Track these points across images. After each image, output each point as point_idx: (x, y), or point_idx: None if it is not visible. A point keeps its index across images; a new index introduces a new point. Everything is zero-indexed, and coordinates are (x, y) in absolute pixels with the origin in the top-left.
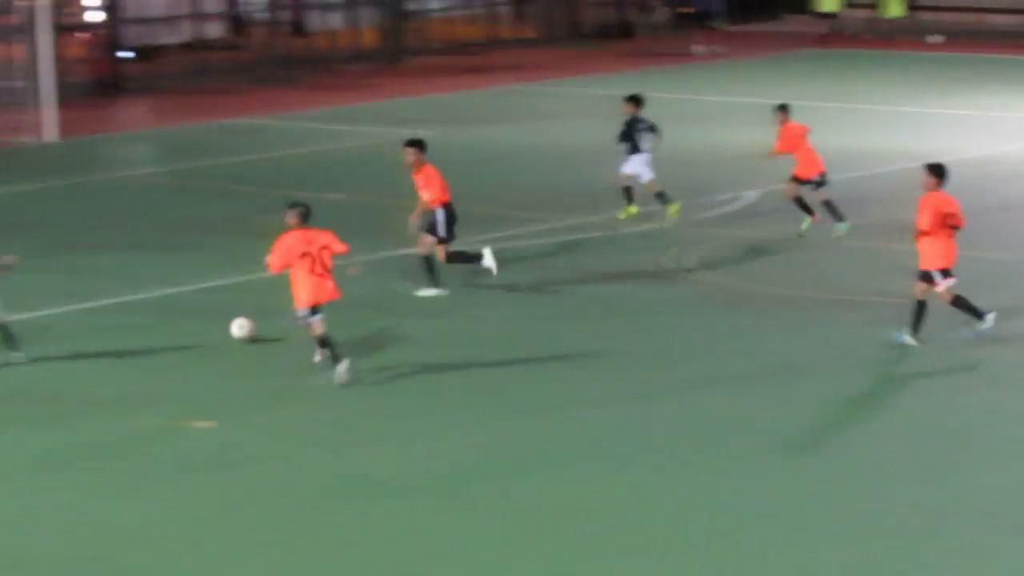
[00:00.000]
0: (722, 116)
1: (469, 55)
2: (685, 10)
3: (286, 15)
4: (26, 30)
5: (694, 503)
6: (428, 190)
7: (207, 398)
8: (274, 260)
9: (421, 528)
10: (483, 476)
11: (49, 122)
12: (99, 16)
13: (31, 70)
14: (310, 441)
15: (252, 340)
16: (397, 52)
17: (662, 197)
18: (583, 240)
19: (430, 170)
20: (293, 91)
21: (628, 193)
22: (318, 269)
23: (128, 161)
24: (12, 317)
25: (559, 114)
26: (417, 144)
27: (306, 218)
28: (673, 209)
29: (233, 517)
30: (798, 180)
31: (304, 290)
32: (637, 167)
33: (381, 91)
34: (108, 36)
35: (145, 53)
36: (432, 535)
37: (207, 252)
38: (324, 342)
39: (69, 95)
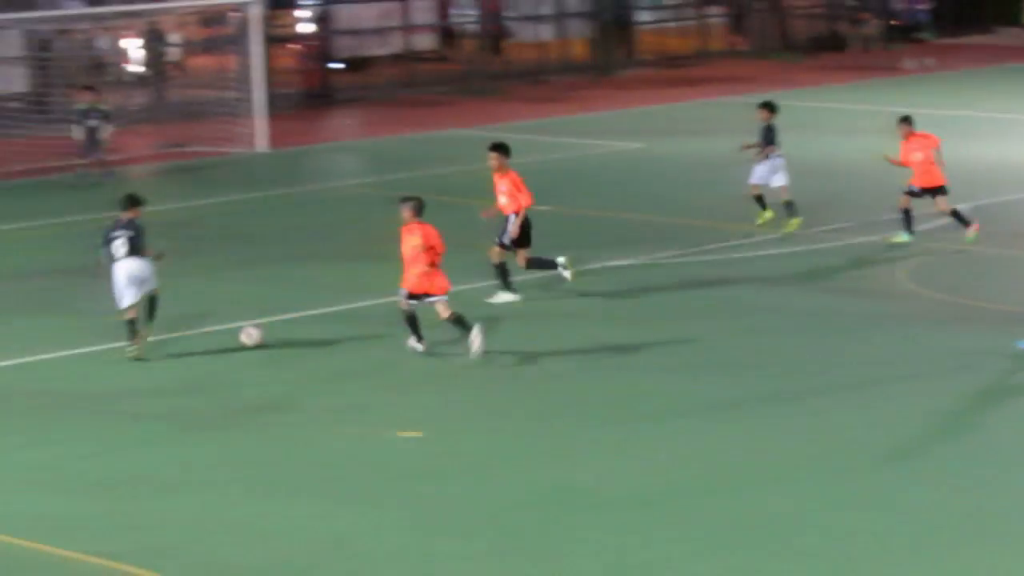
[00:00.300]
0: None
1: (679, 67)
2: (895, 23)
3: (496, 27)
4: (238, 41)
5: (929, 514)
6: (508, 196)
7: (412, 408)
8: (437, 243)
9: (631, 542)
10: (690, 489)
11: (260, 133)
12: (310, 27)
13: (243, 81)
14: (514, 452)
15: (260, 347)
16: (607, 64)
17: (790, 207)
18: (800, 252)
19: (513, 176)
20: (501, 103)
21: (760, 200)
22: (434, 262)
23: (336, 172)
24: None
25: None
26: (500, 148)
27: (420, 212)
28: (795, 223)
29: (439, 528)
30: (914, 192)
31: (424, 280)
32: (766, 173)
33: (590, 103)
34: (319, 47)
35: (355, 64)
36: (642, 549)
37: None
38: (459, 320)
39: (280, 106)
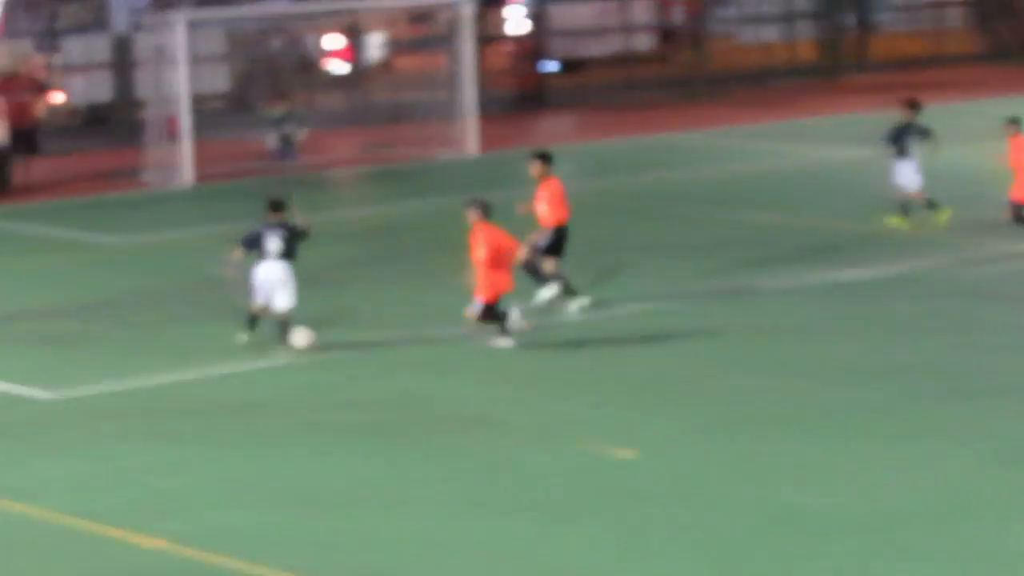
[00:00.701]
0: None
1: (911, 72)
2: None
3: (718, 28)
4: (448, 40)
5: None
6: (549, 206)
7: (621, 424)
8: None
9: (875, 570)
10: (919, 516)
11: (470, 136)
12: (524, 27)
13: (453, 82)
14: (734, 471)
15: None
16: (835, 68)
17: (932, 205)
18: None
19: (555, 185)
20: (723, 107)
21: (925, 203)
22: (504, 264)
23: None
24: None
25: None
26: (543, 157)
27: (487, 213)
28: (943, 216)
29: (660, 553)
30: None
31: (494, 284)
32: (906, 176)
33: (818, 108)
34: (533, 48)
35: (571, 66)
36: None
37: (630, 273)
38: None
39: (491, 108)
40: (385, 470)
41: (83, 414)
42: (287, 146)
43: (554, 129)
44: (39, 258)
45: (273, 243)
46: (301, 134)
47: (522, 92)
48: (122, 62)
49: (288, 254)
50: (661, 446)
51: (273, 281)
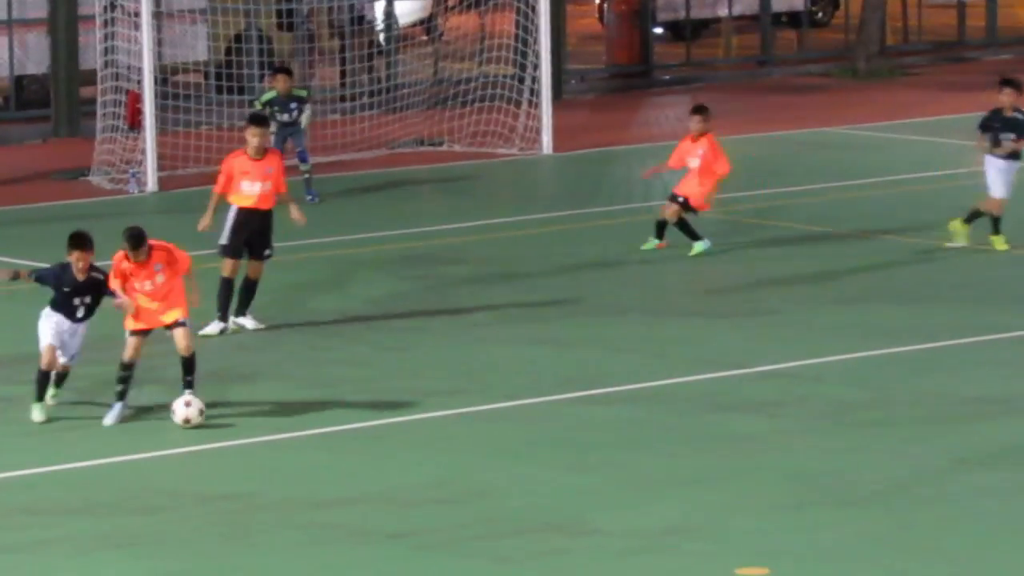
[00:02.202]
0: None
1: None
2: None
3: None
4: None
5: None
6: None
7: (757, 533)
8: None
9: None
10: None
11: (545, 127)
12: None
13: (522, 53)
14: None
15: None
16: None
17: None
18: None
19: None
20: (902, 89)
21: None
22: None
23: (656, 184)
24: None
25: None
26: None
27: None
28: (998, 241)
29: None
30: None
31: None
32: (992, 177)
33: None
34: (635, 5)
35: (686, 30)
36: None
37: (770, 323)
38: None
39: (575, 89)
40: None
41: None
42: (294, 136)
43: (660, 119)
44: None
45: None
46: (307, 119)
47: (619, 66)
48: (63, 20)
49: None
50: (803, 563)
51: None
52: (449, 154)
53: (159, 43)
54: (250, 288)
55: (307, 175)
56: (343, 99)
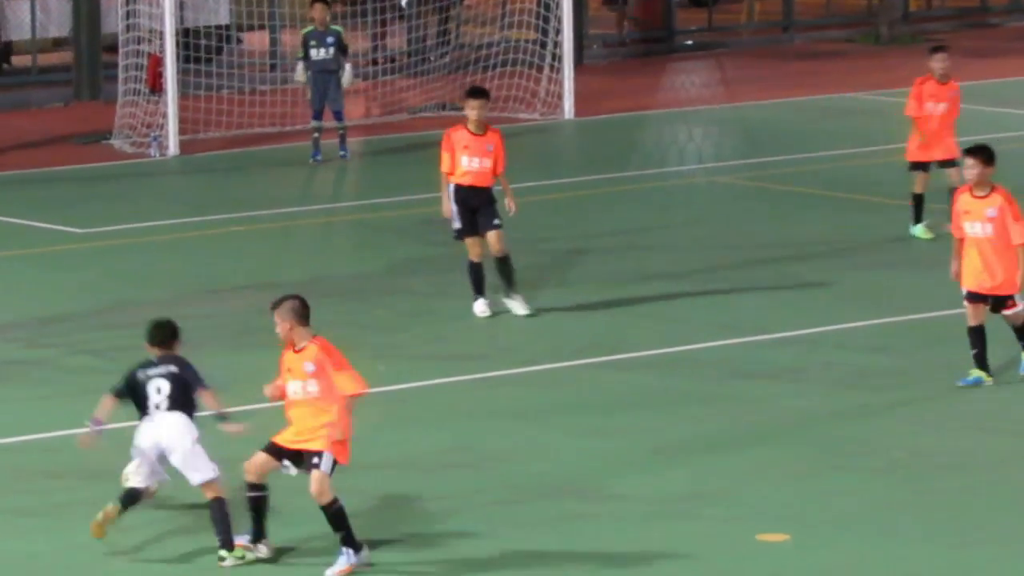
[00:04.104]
0: None
1: None
2: None
3: None
4: None
5: None
6: None
7: (774, 501)
8: None
9: None
10: None
11: (567, 93)
12: None
13: (544, 18)
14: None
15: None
16: None
17: None
18: None
19: None
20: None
21: None
22: None
23: (680, 152)
24: None
25: None
26: None
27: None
28: None
29: None
30: None
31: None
32: None
33: None
34: None
35: None
36: None
37: (792, 290)
38: None
39: (596, 54)
40: (458, 552)
41: (19, 472)
42: (324, 89)
43: (682, 85)
44: None
45: (157, 389)
46: (347, 79)
47: (641, 31)
48: None
49: (176, 403)
50: (817, 530)
51: (168, 442)
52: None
53: (180, 6)
54: (502, 265)
55: (342, 132)
56: (375, 62)
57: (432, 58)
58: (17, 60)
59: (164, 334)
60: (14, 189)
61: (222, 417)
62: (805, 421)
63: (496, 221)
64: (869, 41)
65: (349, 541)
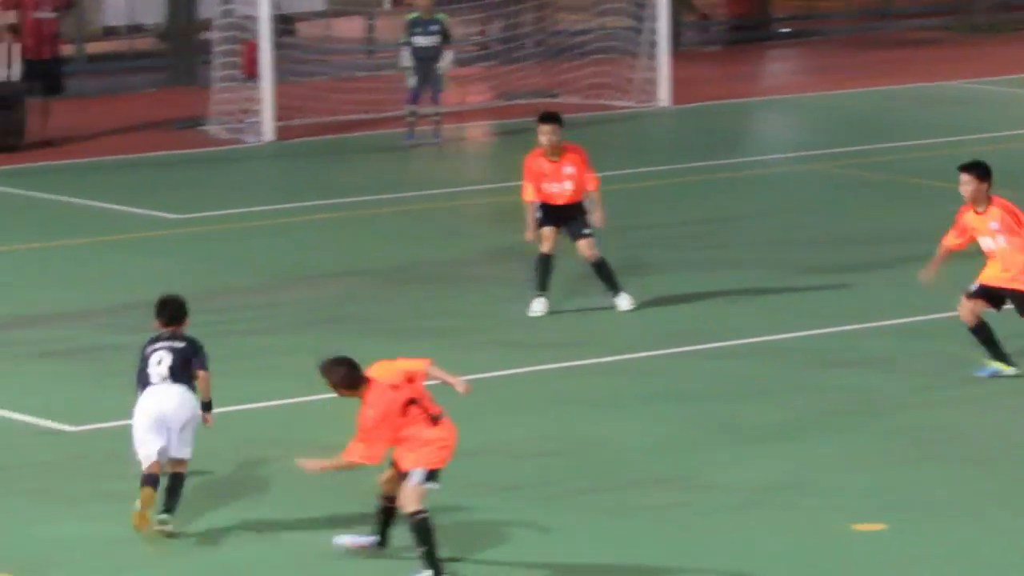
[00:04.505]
0: None
1: None
2: None
3: None
4: None
5: None
6: None
7: (871, 489)
8: None
9: None
10: None
11: (662, 81)
12: None
13: (639, 5)
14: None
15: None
16: None
17: None
18: None
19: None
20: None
21: None
22: None
23: (775, 140)
24: None
25: None
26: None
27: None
28: None
29: None
30: None
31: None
32: None
33: None
34: None
35: None
36: None
37: (887, 278)
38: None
39: (691, 42)
40: (551, 541)
41: (109, 456)
42: (425, 76)
43: (777, 73)
44: (59, 239)
45: (158, 361)
46: (446, 61)
47: (736, 19)
48: None
49: (175, 373)
50: (911, 519)
51: (152, 421)
52: (565, 106)
53: None
54: (599, 270)
55: (437, 118)
56: (482, 48)
57: (528, 45)
58: (114, 45)
59: (171, 311)
60: (109, 174)
61: (206, 406)
62: (899, 410)
63: (586, 231)
64: (966, 29)
65: (430, 561)
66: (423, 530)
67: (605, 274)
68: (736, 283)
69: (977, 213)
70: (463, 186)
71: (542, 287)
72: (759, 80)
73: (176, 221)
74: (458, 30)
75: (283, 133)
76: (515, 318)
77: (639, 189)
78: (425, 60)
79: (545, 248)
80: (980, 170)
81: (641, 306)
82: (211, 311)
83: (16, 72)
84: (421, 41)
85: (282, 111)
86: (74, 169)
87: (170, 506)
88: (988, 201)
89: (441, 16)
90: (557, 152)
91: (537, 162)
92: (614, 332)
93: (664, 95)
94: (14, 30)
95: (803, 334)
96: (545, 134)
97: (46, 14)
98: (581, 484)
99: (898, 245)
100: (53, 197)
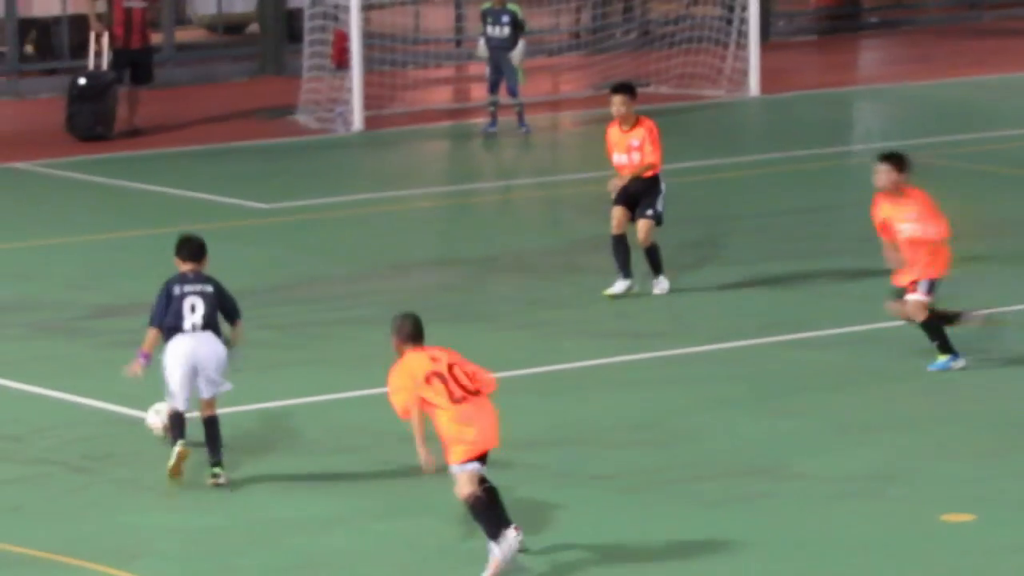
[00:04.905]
0: None
1: None
2: None
3: None
4: None
5: None
6: None
7: (961, 480)
8: None
9: None
10: None
11: (752, 70)
12: None
13: None
14: None
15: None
16: None
17: None
18: None
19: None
20: None
21: None
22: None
23: (864, 130)
24: None
25: None
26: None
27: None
28: None
29: None
30: None
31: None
32: None
33: None
34: None
35: None
36: None
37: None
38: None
39: (782, 31)
40: (640, 531)
41: (198, 445)
42: (499, 66)
43: (867, 63)
44: (147, 228)
45: (191, 309)
46: (519, 56)
47: (827, 9)
48: None
49: (215, 325)
50: (1003, 510)
51: (185, 366)
52: (656, 96)
53: None
54: (648, 255)
55: (518, 109)
56: (574, 37)
57: (617, 34)
58: (204, 34)
59: (194, 249)
60: (199, 163)
61: (235, 353)
62: (990, 400)
63: (649, 212)
64: None
65: (491, 534)
66: (475, 511)
67: (651, 259)
68: (827, 273)
69: (894, 204)
70: (554, 175)
71: (620, 269)
72: (849, 70)
73: (265, 211)
74: (549, 20)
75: (371, 122)
76: (606, 307)
77: (729, 179)
78: (497, 50)
79: (614, 229)
80: (896, 161)
81: (731, 296)
82: (300, 301)
83: (105, 62)
84: (493, 32)
85: (371, 100)
86: (163, 158)
87: (217, 458)
88: (904, 192)
89: (513, 7)
90: (629, 122)
91: (611, 130)
92: (705, 322)
93: (754, 85)
94: (103, 19)
95: (896, 324)
96: (614, 105)
97: (136, 3)
98: (672, 475)
99: (991, 235)
100: (141, 186)
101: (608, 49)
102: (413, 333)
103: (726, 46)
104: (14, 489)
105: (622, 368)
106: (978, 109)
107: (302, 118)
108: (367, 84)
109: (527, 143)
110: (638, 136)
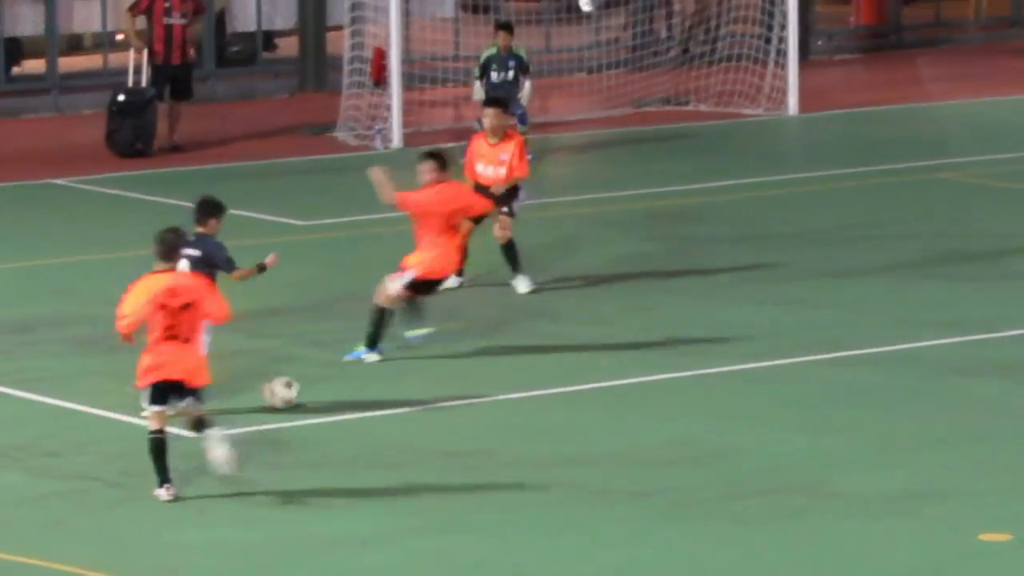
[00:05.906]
0: None
1: None
2: None
3: None
4: None
5: None
6: None
7: (997, 496)
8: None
9: None
10: None
11: (791, 88)
12: None
13: (767, 13)
14: None
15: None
16: None
17: None
18: None
19: None
20: None
21: None
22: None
23: (904, 148)
24: None
25: None
26: None
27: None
28: None
29: None
30: None
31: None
32: None
33: None
34: None
35: None
36: None
37: (1019, 288)
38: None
39: (821, 50)
40: (673, 550)
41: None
42: (515, 108)
43: (905, 81)
44: None
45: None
46: (527, 95)
47: (867, 28)
48: None
49: None
50: None
51: None
52: (694, 113)
53: None
54: (505, 251)
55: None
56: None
57: (657, 52)
58: (243, 50)
59: (196, 209)
60: (238, 180)
61: (261, 268)
62: None
63: (504, 209)
64: None
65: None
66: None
67: (510, 256)
68: (865, 291)
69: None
70: (591, 192)
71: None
72: (888, 88)
73: (303, 227)
74: (589, 37)
75: (410, 139)
76: (643, 325)
77: (768, 197)
78: (500, 87)
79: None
80: (438, 159)
81: (772, 313)
82: (338, 317)
83: (144, 78)
84: (498, 78)
85: (410, 118)
86: (202, 175)
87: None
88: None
89: (519, 53)
90: (497, 135)
91: (477, 142)
92: (745, 340)
93: (793, 103)
94: (143, 36)
95: (933, 343)
96: (487, 117)
97: (176, 20)
98: (710, 492)
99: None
100: (181, 203)
101: (648, 67)
102: (161, 251)
103: (765, 64)
104: (53, 505)
105: (658, 385)
106: (1017, 128)
107: (341, 135)
108: (406, 101)
109: (564, 161)
110: (507, 150)
